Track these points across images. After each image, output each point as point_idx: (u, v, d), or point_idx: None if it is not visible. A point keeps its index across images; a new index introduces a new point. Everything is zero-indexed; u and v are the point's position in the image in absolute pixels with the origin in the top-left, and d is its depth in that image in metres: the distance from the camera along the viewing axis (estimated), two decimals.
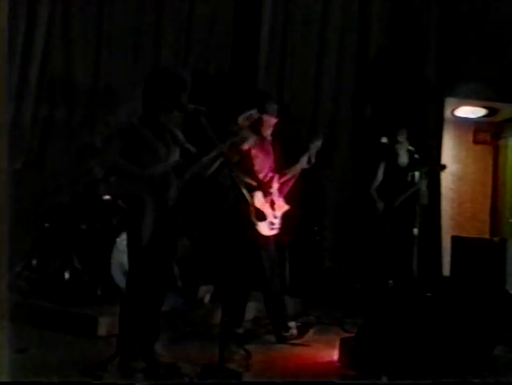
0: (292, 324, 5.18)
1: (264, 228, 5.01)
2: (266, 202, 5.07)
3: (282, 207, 5.17)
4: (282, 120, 5.21)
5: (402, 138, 6.54)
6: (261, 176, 5.10)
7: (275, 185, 5.18)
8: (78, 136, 6.11)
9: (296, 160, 5.27)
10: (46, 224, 5.72)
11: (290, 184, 5.29)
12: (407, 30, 7.55)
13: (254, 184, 5.04)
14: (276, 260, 5.22)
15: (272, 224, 5.07)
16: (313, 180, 6.08)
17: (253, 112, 4.03)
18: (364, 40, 7.51)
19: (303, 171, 5.32)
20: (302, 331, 5.18)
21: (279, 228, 5.13)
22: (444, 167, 6.69)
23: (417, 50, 7.53)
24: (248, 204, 4.68)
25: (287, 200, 5.23)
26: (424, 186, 6.44)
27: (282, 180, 5.25)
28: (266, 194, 5.08)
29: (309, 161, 5.26)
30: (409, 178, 6.47)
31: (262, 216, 5.00)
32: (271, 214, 5.07)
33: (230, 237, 5.04)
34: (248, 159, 5.01)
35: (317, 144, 5.26)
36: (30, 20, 6.32)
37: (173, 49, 6.94)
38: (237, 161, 4.86)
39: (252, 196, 4.93)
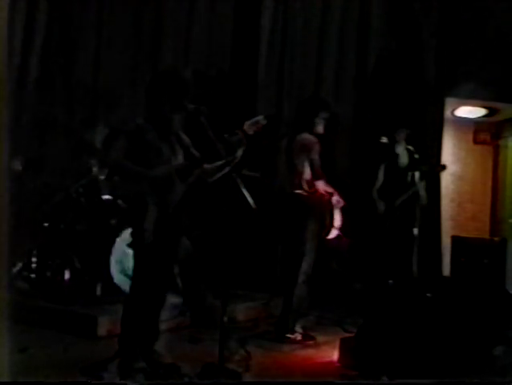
0: (299, 329, 5.18)
1: (333, 232, 5.18)
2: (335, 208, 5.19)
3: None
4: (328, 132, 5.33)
5: (401, 138, 6.53)
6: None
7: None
8: (78, 136, 6.11)
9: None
10: (46, 224, 5.72)
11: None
12: (407, 30, 7.54)
13: (331, 190, 5.14)
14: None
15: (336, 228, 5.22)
16: None
17: (260, 118, 4.00)
18: (364, 40, 7.50)
19: None
20: (306, 338, 5.18)
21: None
22: (444, 167, 6.68)
23: (417, 50, 7.52)
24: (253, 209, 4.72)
25: None
26: (423, 186, 6.44)
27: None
28: (336, 200, 5.18)
29: None
30: (409, 178, 6.47)
31: (335, 221, 5.17)
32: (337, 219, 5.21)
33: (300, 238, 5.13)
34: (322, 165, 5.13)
35: None
36: (29, 20, 6.33)
37: (173, 49, 6.94)
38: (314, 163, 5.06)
39: (330, 203, 5.11)
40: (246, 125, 3.96)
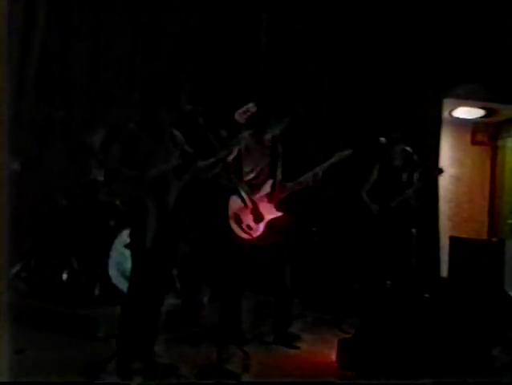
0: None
1: (239, 231, 4.76)
2: (248, 205, 4.77)
3: (268, 212, 4.93)
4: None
5: (398, 139, 6.51)
6: (248, 177, 4.90)
7: (264, 189, 4.96)
8: (77, 137, 6.11)
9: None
10: (45, 225, 5.72)
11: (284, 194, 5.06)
12: (405, 29, 7.54)
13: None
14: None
15: (249, 227, 4.80)
16: None
17: (251, 106, 3.98)
18: (363, 40, 7.50)
19: None
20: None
21: (261, 233, 4.86)
22: (441, 171, 6.63)
23: (416, 50, 7.52)
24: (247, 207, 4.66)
25: (278, 207, 5.02)
26: (420, 187, 6.41)
27: (276, 190, 5.02)
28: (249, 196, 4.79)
29: (316, 176, 5.06)
30: (405, 179, 6.45)
31: (238, 219, 4.75)
32: (250, 218, 4.80)
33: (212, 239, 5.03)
34: (237, 158, 4.73)
35: (325, 166, 5.10)
36: (28, 20, 6.33)
37: (172, 49, 6.94)
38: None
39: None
40: (237, 114, 3.96)
